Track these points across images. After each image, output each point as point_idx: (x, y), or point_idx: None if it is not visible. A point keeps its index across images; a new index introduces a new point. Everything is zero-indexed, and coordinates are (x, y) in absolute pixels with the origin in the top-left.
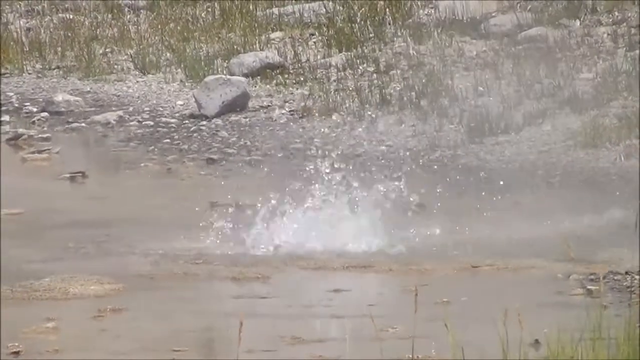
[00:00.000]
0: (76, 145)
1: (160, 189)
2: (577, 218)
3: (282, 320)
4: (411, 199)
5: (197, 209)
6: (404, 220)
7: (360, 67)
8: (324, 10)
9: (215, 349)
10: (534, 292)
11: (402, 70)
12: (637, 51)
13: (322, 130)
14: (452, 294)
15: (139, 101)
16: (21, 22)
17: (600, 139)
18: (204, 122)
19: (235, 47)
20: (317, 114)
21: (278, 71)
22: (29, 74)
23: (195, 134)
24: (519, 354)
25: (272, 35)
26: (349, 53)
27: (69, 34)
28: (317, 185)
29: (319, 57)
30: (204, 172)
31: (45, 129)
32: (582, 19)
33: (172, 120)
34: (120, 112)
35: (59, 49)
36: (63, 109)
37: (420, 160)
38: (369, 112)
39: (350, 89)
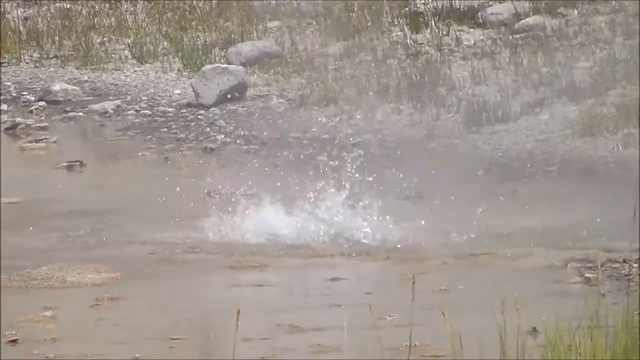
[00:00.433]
0: (74, 134)
1: (157, 178)
2: (575, 206)
3: (280, 308)
4: (408, 187)
5: (194, 197)
6: (401, 209)
7: (358, 56)
8: None
9: (213, 338)
10: (532, 280)
11: (400, 59)
12: (635, 40)
13: (320, 119)
14: (449, 282)
15: (136, 90)
16: (19, 12)
17: (598, 128)
18: (202, 111)
19: (232, 36)
20: (314, 103)
21: (276, 60)
22: (27, 63)
23: (192, 123)
24: (517, 342)
25: (270, 25)
26: (347, 42)
27: (67, 23)
28: (314, 174)
29: (316, 46)
30: (202, 161)
31: (42, 118)
32: (579, 8)
33: (170, 110)
34: (118, 101)
35: (57, 38)
36: (61, 98)
37: (418, 149)
38: (367, 101)
39: (348, 78)
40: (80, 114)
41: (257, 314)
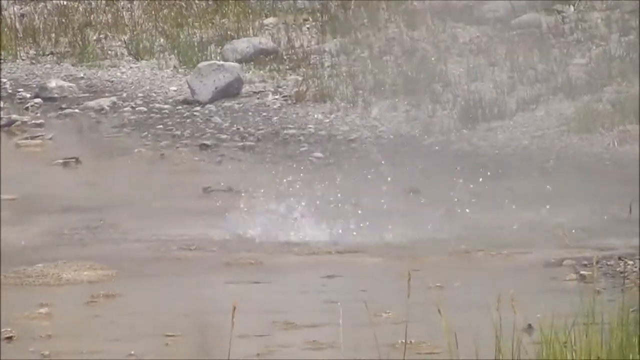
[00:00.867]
0: (69, 131)
1: (153, 174)
2: (571, 203)
3: (275, 305)
4: (403, 184)
5: (190, 194)
6: (396, 205)
7: (354, 53)
8: None
9: (208, 335)
10: (528, 277)
11: (396, 56)
12: (631, 37)
13: (316, 116)
14: (444, 279)
15: (132, 87)
16: (15, 8)
17: (594, 125)
18: (198, 108)
19: (228, 33)
20: (310, 100)
21: (272, 57)
22: (23, 60)
23: (188, 120)
24: (512, 339)
25: (266, 21)
26: (343, 39)
27: (63, 20)
28: (309, 169)
29: (312, 42)
30: (197, 157)
31: (38, 115)
32: (575, 5)
33: (166, 106)
34: (114, 98)
35: (53, 35)
36: (56, 95)
37: (414, 146)
38: (363, 98)
39: (344, 74)
40: (76, 110)
41: (253, 310)
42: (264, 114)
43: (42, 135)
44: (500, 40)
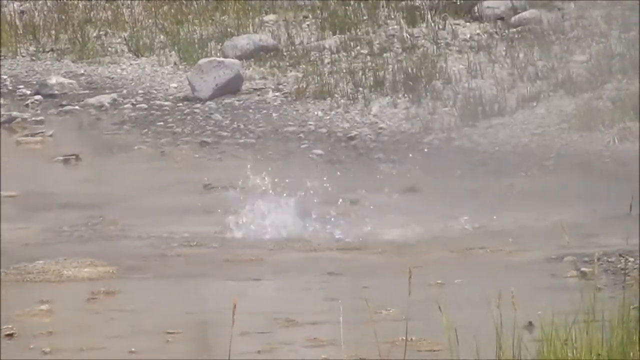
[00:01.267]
0: (70, 128)
1: (153, 171)
2: (571, 201)
3: (276, 302)
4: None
5: (190, 191)
6: (399, 203)
7: (354, 50)
8: None
9: (209, 332)
10: (528, 274)
11: (396, 52)
12: (632, 34)
13: (316, 113)
14: (445, 276)
15: (132, 84)
16: (15, 5)
17: (594, 122)
18: (198, 105)
19: (229, 29)
20: (310, 97)
21: (272, 54)
22: (23, 56)
23: (188, 117)
24: (513, 336)
25: (266, 18)
26: (343, 35)
27: (63, 17)
28: (309, 167)
29: (312, 39)
30: (198, 154)
31: (38, 111)
32: (576, 2)
33: (166, 103)
34: (114, 95)
35: (53, 31)
36: (57, 92)
37: (414, 143)
38: (363, 95)
39: (344, 71)
40: (77, 107)
41: (254, 307)
42: (264, 111)
43: (42, 132)
44: (501, 37)
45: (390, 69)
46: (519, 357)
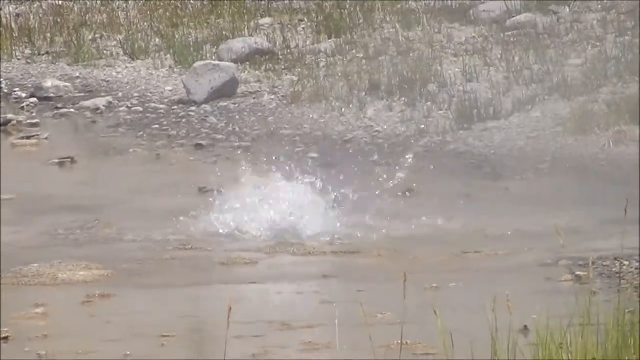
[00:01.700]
0: (65, 130)
1: (148, 174)
2: (566, 204)
3: (271, 305)
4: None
5: (185, 193)
6: (392, 206)
7: (350, 53)
8: None
9: (204, 335)
10: (523, 278)
11: (391, 56)
12: (626, 37)
13: (311, 116)
14: (440, 280)
15: (127, 87)
16: (10, 8)
17: (589, 125)
18: (193, 108)
19: (224, 32)
20: (306, 100)
21: (267, 57)
22: (18, 59)
23: (183, 120)
24: (508, 340)
25: (261, 21)
26: (338, 39)
27: (58, 20)
28: (303, 169)
29: (308, 42)
30: (193, 157)
31: (34, 114)
32: (571, 5)
33: (161, 106)
34: (109, 98)
35: (48, 34)
36: (52, 95)
37: (409, 146)
38: (358, 98)
39: (339, 74)
40: (72, 110)
41: (249, 310)
42: (260, 113)
43: (37, 135)
44: (496, 40)
45: (386, 72)
46: None
